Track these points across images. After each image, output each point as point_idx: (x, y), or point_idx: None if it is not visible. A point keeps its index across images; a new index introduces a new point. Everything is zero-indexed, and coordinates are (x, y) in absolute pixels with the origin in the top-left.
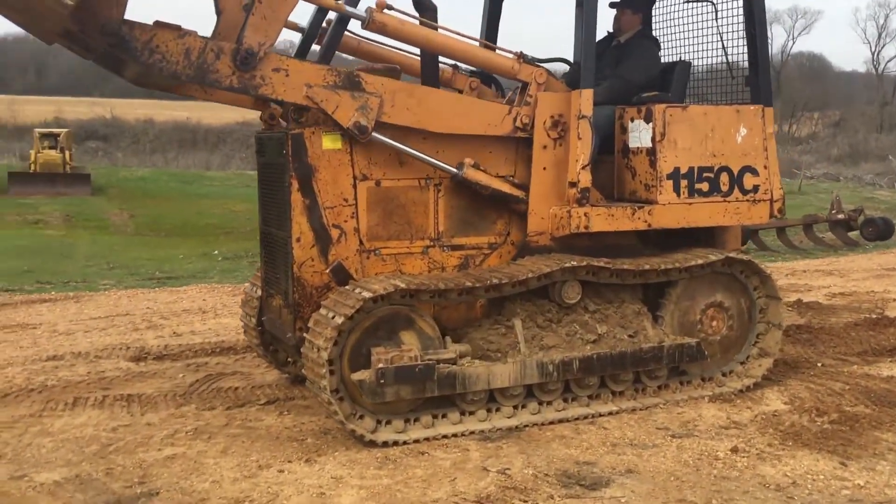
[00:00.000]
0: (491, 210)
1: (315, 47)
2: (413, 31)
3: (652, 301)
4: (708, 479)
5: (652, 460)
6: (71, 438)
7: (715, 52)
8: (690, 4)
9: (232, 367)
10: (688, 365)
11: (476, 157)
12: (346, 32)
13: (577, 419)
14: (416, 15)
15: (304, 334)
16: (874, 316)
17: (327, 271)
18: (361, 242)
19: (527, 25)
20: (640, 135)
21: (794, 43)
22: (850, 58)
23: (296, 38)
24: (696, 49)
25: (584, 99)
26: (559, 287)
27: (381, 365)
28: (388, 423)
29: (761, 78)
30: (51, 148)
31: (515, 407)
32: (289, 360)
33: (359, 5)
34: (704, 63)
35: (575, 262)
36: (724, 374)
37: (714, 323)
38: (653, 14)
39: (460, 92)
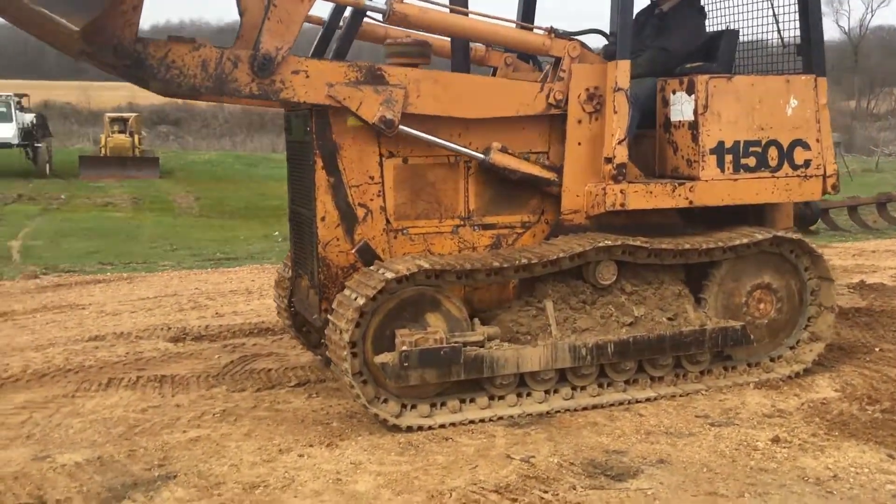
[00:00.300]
0: (524, 188)
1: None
2: (437, 18)
3: (695, 283)
4: (743, 470)
5: (686, 450)
6: (99, 419)
7: (765, 19)
8: None
9: (268, 349)
10: (732, 349)
11: (508, 136)
12: (372, 21)
13: (611, 405)
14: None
15: (328, 315)
16: None
17: (353, 251)
18: (388, 221)
19: (571, 2)
20: (681, 107)
21: (872, 16)
22: None
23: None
24: (744, 17)
25: (621, 70)
26: (593, 267)
27: (404, 347)
28: (414, 407)
29: (814, 46)
30: (120, 132)
31: (547, 392)
32: (321, 341)
33: None
34: (753, 32)
35: (609, 242)
36: (772, 360)
37: (761, 305)
38: None
39: (495, 70)
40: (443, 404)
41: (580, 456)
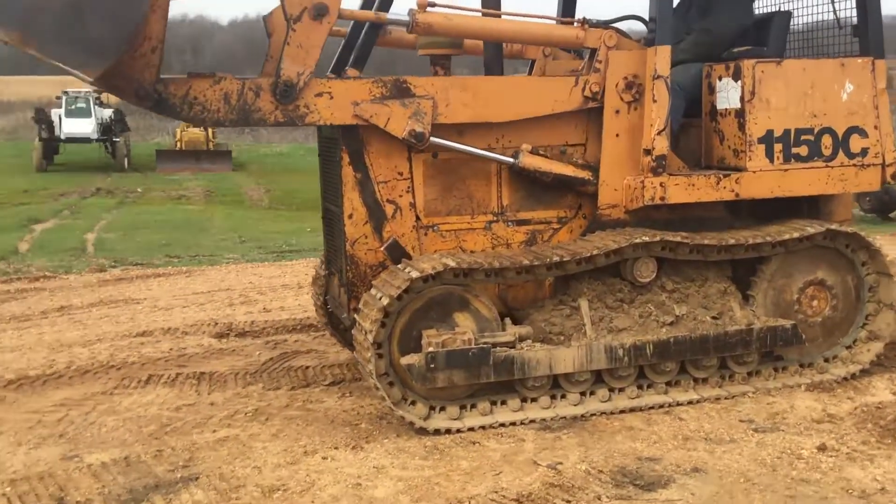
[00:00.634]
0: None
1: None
2: (462, 23)
3: (743, 279)
4: (784, 481)
5: (725, 457)
6: (133, 417)
7: None
8: None
9: (308, 346)
10: (783, 350)
11: (544, 133)
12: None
13: (650, 408)
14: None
15: (355, 315)
16: None
17: (382, 249)
18: (418, 218)
19: None
20: (728, 94)
21: None
22: None
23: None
24: None
25: (661, 57)
26: (631, 264)
27: (431, 349)
28: (443, 409)
29: (871, 26)
30: (195, 126)
31: (583, 394)
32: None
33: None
34: (807, 13)
35: (647, 238)
36: (826, 360)
37: (815, 303)
38: None
39: (533, 63)
40: (473, 406)
41: (610, 463)
